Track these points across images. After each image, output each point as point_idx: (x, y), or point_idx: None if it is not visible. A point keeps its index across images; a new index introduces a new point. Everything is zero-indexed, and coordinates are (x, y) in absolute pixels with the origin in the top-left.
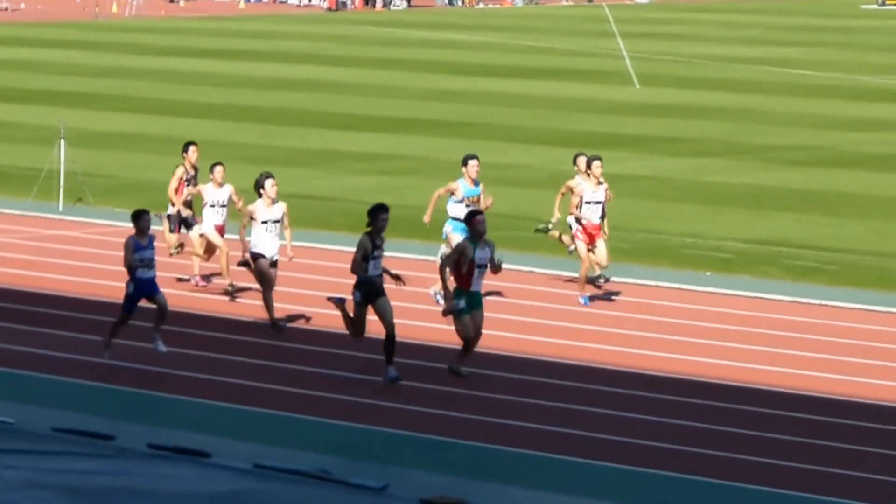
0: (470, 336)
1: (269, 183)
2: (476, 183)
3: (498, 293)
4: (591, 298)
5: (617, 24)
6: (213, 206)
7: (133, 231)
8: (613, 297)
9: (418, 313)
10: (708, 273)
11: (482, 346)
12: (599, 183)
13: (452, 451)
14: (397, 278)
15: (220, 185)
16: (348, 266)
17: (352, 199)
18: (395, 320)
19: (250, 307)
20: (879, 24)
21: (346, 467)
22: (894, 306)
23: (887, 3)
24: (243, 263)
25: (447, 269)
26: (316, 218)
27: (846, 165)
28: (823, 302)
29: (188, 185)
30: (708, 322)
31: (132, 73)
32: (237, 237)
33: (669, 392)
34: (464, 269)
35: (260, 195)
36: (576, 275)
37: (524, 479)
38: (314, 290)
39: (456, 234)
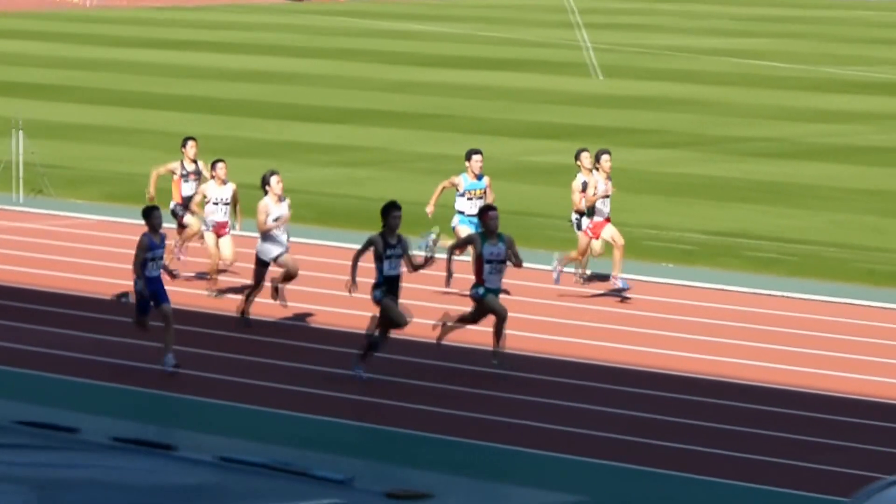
0: (498, 310)
1: (274, 179)
2: (479, 177)
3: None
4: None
5: (581, 14)
6: (216, 203)
7: (146, 228)
8: (578, 290)
9: (416, 311)
10: (669, 265)
11: (449, 339)
12: (608, 178)
13: (419, 445)
14: (427, 260)
15: (224, 182)
16: (313, 258)
17: (314, 192)
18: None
19: (216, 301)
20: (845, 15)
21: (310, 460)
22: (855, 297)
23: None
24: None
25: (455, 251)
26: None
27: (809, 157)
28: (784, 293)
29: (185, 181)
30: (668, 314)
31: (92, 65)
32: (241, 233)
33: (629, 384)
34: (474, 262)
35: (266, 192)
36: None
37: (489, 471)
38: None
39: (462, 227)
